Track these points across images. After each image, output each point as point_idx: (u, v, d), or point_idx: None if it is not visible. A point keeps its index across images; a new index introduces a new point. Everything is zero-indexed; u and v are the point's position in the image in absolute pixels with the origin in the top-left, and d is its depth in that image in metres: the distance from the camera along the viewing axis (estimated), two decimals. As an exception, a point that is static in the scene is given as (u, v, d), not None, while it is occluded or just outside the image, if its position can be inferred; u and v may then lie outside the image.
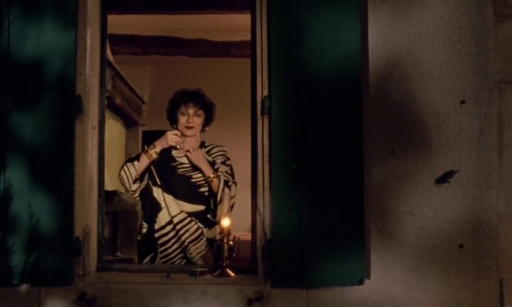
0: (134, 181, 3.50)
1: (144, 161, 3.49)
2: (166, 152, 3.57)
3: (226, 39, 6.36)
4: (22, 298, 2.82)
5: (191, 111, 3.54)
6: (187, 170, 3.57)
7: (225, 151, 3.69)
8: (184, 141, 3.56)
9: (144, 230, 3.59)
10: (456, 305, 2.80)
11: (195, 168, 3.56)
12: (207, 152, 3.65)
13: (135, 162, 3.50)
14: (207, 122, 3.65)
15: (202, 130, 3.66)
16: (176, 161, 3.58)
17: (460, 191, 2.83)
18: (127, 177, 3.48)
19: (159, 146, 3.50)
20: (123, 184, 3.54)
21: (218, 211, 3.47)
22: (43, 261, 2.76)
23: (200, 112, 3.57)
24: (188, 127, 3.54)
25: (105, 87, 3.15)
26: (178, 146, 3.53)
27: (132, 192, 3.56)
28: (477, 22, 2.88)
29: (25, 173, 2.78)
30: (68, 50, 2.85)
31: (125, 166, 3.51)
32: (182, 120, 3.55)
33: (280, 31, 2.87)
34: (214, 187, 3.52)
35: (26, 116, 2.81)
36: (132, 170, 3.48)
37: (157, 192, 3.55)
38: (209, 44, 6.51)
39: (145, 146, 3.57)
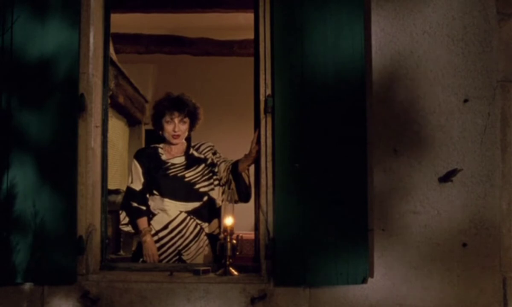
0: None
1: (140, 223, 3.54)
2: (155, 158, 3.59)
3: (230, 38, 6.36)
4: (26, 296, 2.83)
5: (176, 120, 3.55)
6: (179, 170, 3.57)
7: (213, 146, 3.73)
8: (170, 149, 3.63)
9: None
10: (459, 304, 2.80)
11: (187, 167, 3.58)
12: (196, 150, 3.67)
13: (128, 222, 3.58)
14: (192, 125, 3.67)
15: (189, 134, 3.68)
16: (167, 162, 3.58)
17: (463, 190, 2.83)
18: (124, 221, 3.60)
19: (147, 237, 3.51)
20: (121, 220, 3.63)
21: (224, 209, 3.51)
22: (46, 260, 2.77)
23: (186, 119, 3.58)
24: (174, 136, 3.56)
25: (108, 86, 3.16)
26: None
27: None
28: (481, 21, 2.88)
29: (29, 172, 2.79)
30: (71, 49, 2.85)
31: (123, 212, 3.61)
32: (168, 128, 3.57)
33: (284, 30, 2.87)
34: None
35: (30, 115, 2.82)
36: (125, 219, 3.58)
37: (153, 200, 3.56)
38: (212, 43, 6.51)
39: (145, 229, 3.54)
